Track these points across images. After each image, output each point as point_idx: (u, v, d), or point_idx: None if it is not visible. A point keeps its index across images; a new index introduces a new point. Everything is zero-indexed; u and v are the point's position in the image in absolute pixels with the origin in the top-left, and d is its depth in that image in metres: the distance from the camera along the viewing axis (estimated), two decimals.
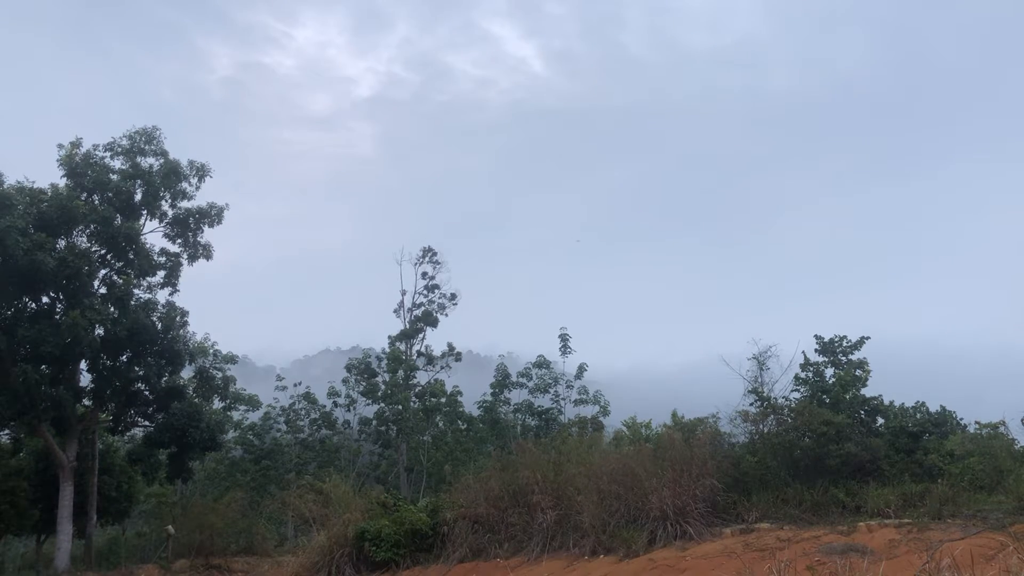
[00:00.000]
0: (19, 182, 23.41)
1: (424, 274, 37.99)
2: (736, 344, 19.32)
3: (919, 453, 15.00)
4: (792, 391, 17.36)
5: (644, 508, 13.97)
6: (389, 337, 37.13)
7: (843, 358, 17.45)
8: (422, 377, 36.99)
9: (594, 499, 14.56)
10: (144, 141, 25.78)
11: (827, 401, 16.49)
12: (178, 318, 26.28)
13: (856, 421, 15.92)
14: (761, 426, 16.20)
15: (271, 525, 29.90)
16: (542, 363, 34.64)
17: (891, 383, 17.99)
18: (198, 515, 25.46)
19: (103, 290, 24.74)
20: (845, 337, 17.68)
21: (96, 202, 24.72)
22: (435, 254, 38.27)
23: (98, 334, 23.85)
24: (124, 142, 25.62)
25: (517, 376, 35.10)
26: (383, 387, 35.94)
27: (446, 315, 37.61)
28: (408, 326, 37.19)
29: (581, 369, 34.09)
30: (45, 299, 24.09)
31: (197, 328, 29.54)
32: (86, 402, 25.71)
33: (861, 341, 17.54)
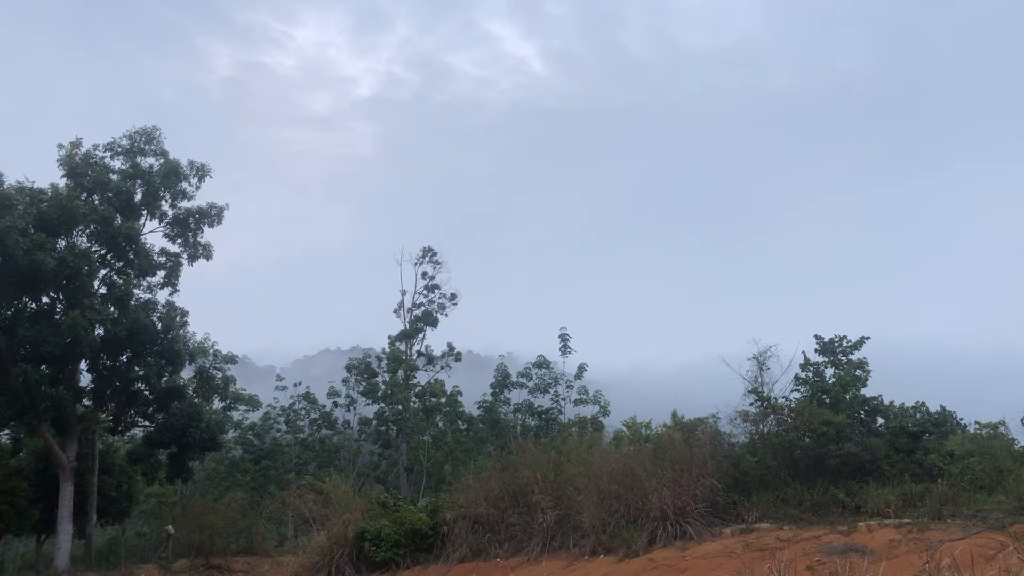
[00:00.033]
0: (19, 182, 23.42)
1: (424, 274, 38.02)
2: (736, 344, 19.34)
3: (919, 453, 15.00)
4: (792, 391, 17.37)
5: (644, 508, 13.97)
6: (389, 337, 37.15)
7: (843, 358, 17.45)
8: (422, 377, 37.01)
9: (594, 499, 14.55)
10: (144, 141, 25.77)
11: (827, 401, 16.48)
12: (178, 318, 26.28)
13: (856, 421, 15.92)
14: (761, 426, 16.20)
15: (271, 525, 29.89)
16: (542, 363, 34.63)
17: (891, 383, 17.99)
18: (198, 515, 25.45)
19: (103, 290, 24.73)
20: (845, 337, 17.68)
21: (96, 202, 24.71)
22: (435, 254, 38.30)
23: (98, 334, 23.84)
24: (124, 142, 25.61)
25: (517, 376, 35.09)
26: (383, 387, 35.94)
27: (446, 315, 37.64)
28: (408, 326, 37.18)
29: (581, 369, 34.09)
30: (45, 299, 24.09)
31: (197, 328, 29.61)
32: (86, 402, 25.71)
33: (861, 341, 17.54)
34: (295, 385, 39.67)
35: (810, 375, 17.36)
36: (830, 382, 17.00)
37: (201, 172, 26.49)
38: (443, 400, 36.53)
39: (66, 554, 23.71)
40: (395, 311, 37.63)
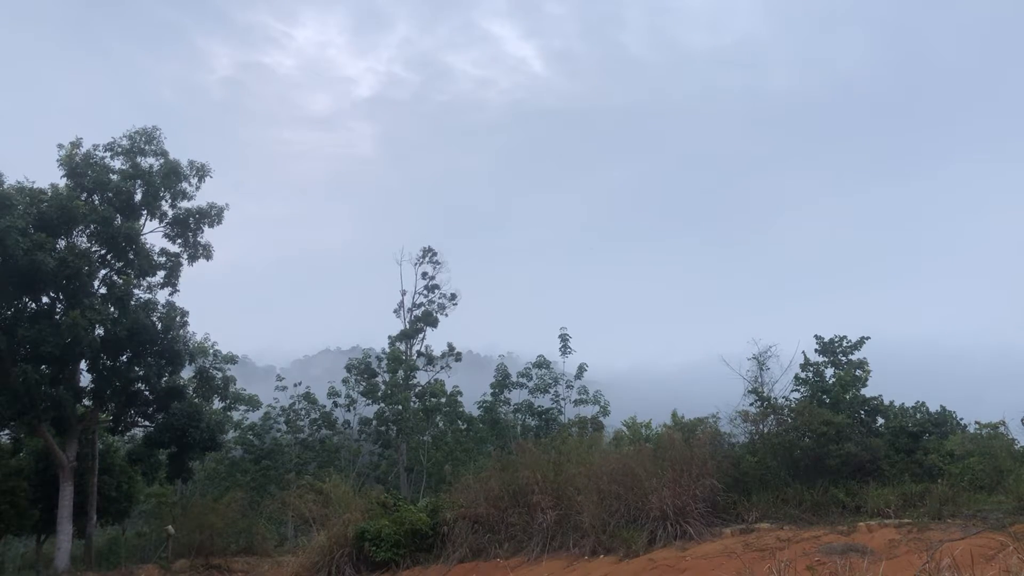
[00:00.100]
0: (19, 182, 23.43)
1: (424, 274, 38.02)
2: (736, 344, 19.33)
3: (919, 453, 14.99)
4: (792, 391, 17.37)
5: (644, 508, 13.96)
6: (389, 337, 37.14)
7: (843, 358, 17.44)
8: (422, 377, 37.00)
9: (594, 499, 14.55)
10: (144, 141, 25.78)
11: (827, 401, 16.48)
12: (178, 318, 26.28)
13: (856, 421, 15.92)
14: (761, 426, 16.20)
15: (271, 525, 29.88)
16: (542, 363, 34.63)
17: (891, 383, 17.99)
18: (198, 515, 25.45)
19: (103, 290, 24.73)
20: (845, 337, 17.67)
21: (96, 202, 24.71)
22: (435, 254, 38.29)
23: (98, 334, 23.84)
24: (124, 142, 25.62)
25: (517, 376, 35.09)
26: (383, 387, 35.94)
27: (446, 315, 37.63)
28: (408, 326, 37.18)
29: (581, 369, 34.08)
30: (45, 299, 24.09)
31: (197, 328, 29.61)
32: (86, 402, 25.71)
33: (861, 341, 17.53)
34: (295, 385, 39.69)
35: (810, 375, 17.36)
36: (830, 382, 17.00)
37: (201, 172, 26.50)
38: (443, 400, 36.53)
39: (66, 554, 23.71)
40: (395, 311, 37.66)
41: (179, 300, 26.73)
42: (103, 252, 24.90)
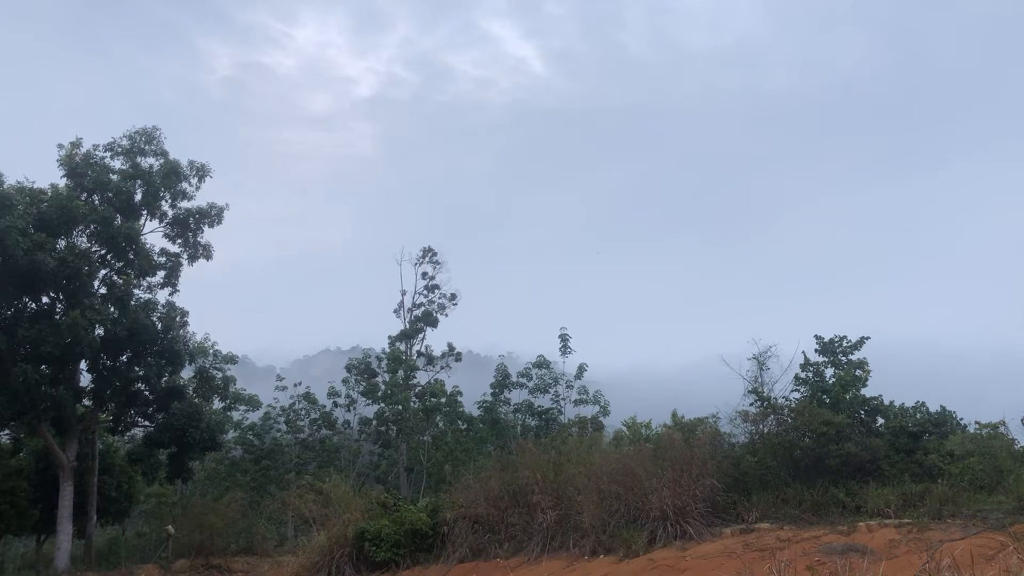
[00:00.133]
0: (19, 182, 23.43)
1: (424, 274, 38.02)
2: (736, 344, 19.33)
3: (919, 453, 14.99)
4: (792, 391, 17.36)
5: (644, 508, 13.96)
6: (389, 337, 37.15)
7: (843, 358, 17.44)
8: (422, 377, 37.00)
9: (594, 499, 14.55)
10: (144, 141, 25.78)
11: (827, 401, 16.48)
12: (178, 318, 26.28)
13: (856, 421, 15.92)
14: (761, 426, 16.20)
15: (271, 525, 29.88)
16: (542, 363, 34.63)
17: (891, 383, 17.99)
18: (198, 515, 25.45)
19: (103, 290, 24.74)
20: (845, 337, 17.67)
21: (96, 202, 24.71)
22: (435, 254, 38.30)
23: (98, 334, 23.84)
24: (124, 142, 25.62)
25: (517, 376, 35.09)
26: (383, 387, 35.94)
27: (446, 315, 37.63)
28: (408, 326, 37.18)
29: (581, 369, 34.08)
30: (45, 299, 24.09)
31: (197, 328, 29.60)
32: (86, 402, 25.71)
33: (861, 341, 17.53)
34: (295, 385, 39.68)
35: (810, 375, 17.36)
36: (830, 382, 17.00)
37: (201, 172, 26.50)
38: (443, 400, 36.53)
39: (66, 554, 23.71)
40: (395, 311, 37.66)
41: (179, 300, 26.79)
42: (103, 252, 24.90)
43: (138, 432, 29.20)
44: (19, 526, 25.62)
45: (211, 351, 31.73)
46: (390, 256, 48.78)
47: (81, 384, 25.44)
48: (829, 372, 17.34)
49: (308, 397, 38.79)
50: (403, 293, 37.64)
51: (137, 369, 25.42)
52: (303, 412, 38.72)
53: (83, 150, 25.07)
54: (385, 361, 36.80)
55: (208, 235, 26.68)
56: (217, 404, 31.65)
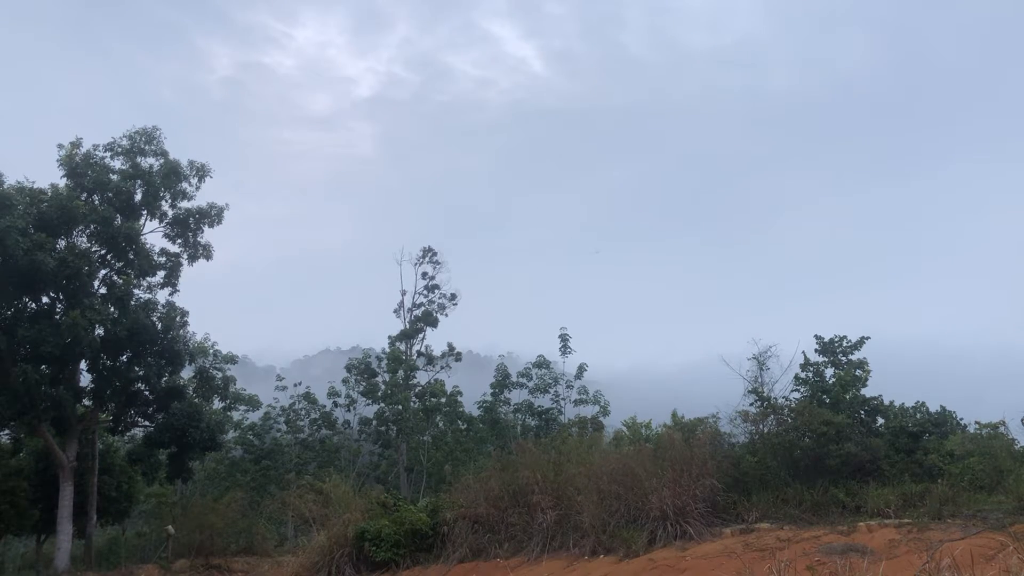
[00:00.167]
0: (19, 182, 23.43)
1: (424, 274, 38.03)
2: (736, 344, 19.33)
3: (919, 453, 14.99)
4: (792, 391, 17.36)
5: (644, 508, 13.96)
6: (389, 337, 37.15)
7: (843, 358, 17.44)
8: (422, 377, 37.01)
9: (594, 499, 14.55)
10: (144, 141, 25.78)
11: (827, 401, 16.48)
12: (178, 318, 26.29)
13: (856, 421, 15.92)
14: (761, 426, 16.19)
15: (271, 525, 29.89)
16: (542, 363, 34.63)
17: (891, 383, 17.98)
18: (198, 515, 25.45)
19: (103, 290, 24.74)
20: (845, 337, 17.67)
21: (96, 202, 24.71)
22: (435, 254, 38.31)
23: (98, 334, 23.85)
24: (124, 142, 25.62)
25: (517, 376, 35.09)
26: (383, 387, 35.94)
27: (446, 315, 37.64)
28: (408, 326, 37.18)
29: (581, 369, 34.09)
30: (45, 299, 24.09)
31: (197, 328, 29.61)
32: (86, 402, 25.71)
33: (861, 341, 17.52)
34: (295, 385, 39.68)
35: (810, 375, 17.36)
36: (830, 382, 16.99)
37: (201, 172, 26.51)
38: (443, 400, 36.53)
39: (66, 554, 23.71)
40: (395, 311, 37.67)
41: (179, 300, 26.81)
42: (103, 252, 24.91)
43: (138, 432, 29.20)
44: (19, 526, 25.62)
45: (211, 351, 31.74)
46: (390, 256, 48.80)
47: (81, 384, 25.44)
48: (829, 372, 17.34)
49: (308, 397, 38.79)
50: (403, 293, 37.69)
51: (137, 369, 25.42)
52: (303, 412, 38.72)
53: (83, 150, 25.08)
54: (385, 361, 36.80)
55: (208, 235, 26.75)
56: (217, 404, 31.65)
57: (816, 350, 17.80)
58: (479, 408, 35.54)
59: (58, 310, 23.89)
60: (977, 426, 15.51)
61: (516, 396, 34.99)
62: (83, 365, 25.28)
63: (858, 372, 16.97)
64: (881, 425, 16.43)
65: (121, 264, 25.06)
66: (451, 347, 37.38)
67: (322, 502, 18.14)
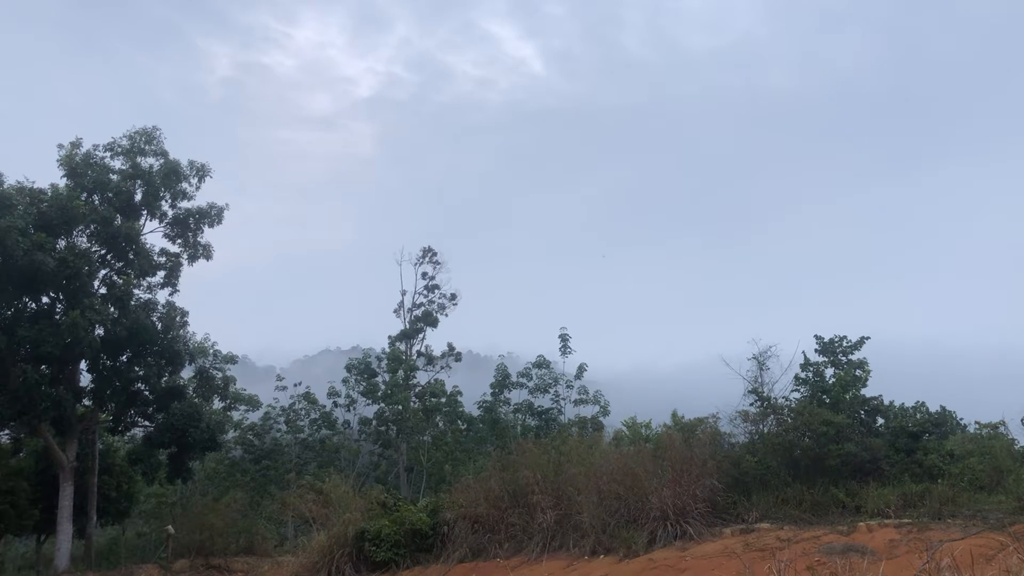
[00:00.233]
0: (19, 182, 23.42)
1: (424, 274, 38.07)
2: (736, 344, 19.32)
3: (919, 453, 15.00)
4: (792, 391, 17.35)
5: (644, 508, 13.97)
6: (389, 337, 37.17)
7: (843, 358, 17.43)
8: (422, 377, 37.03)
9: (594, 499, 14.55)
10: (144, 141, 25.78)
11: (827, 401, 16.48)
12: (178, 318, 26.29)
13: (856, 421, 15.91)
14: (761, 426, 16.20)
15: (271, 525, 29.87)
16: (542, 363, 34.67)
17: (891, 383, 17.98)
18: (198, 515, 25.45)
19: (103, 290, 24.73)
20: (845, 337, 17.66)
21: (96, 202, 24.71)
22: (435, 254, 38.35)
23: (98, 334, 23.83)
24: (124, 142, 25.62)
25: (517, 376, 35.13)
26: (383, 387, 35.95)
27: (446, 315, 37.68)
28: (408, 326, 37.21)
29: (581, 369, 34.13)
30: (45, 299, 24.08)
31: (197, 328, 29.53)
32: (86, 402, 25.70)
33: (861, 341, 17.52)
34: (295, 385, 39.65)
35: (810, 375, 17.35)
36: (830, 382, 16.98)
37: (201, 172, 26.50)
38: (443, 400, 36.55)
39: (66, 554, 23.71)
40: (395, 311, 37.71)
41: (179, 300, 26.78)
42: (103, 252, 24.90)
43: (138, 432, 29.18)
44: (19, 526, 25.59)
45: (211, 351, 31.68)
46: (390, 256, 48.55)
47: (81, 384, 25.43)
48: (829, 372, 17.33)
49: (308, 397, 38.77)
50: (403, 293, 37.73)
51: (137, 369, 25.42)
52: (303, 412, 38.69)
53: (83, 150, 25.07)
54: (385, 361, 36.82)
55: (208, 235, 26.72)
56: (217, 404, 31.62)
57: (816, 350, 17.80)
58: (479, 408, 35.57)
59: (58, 310, 23.88)
60: (977, 426, 15.53)
61: (516, 396, 35.05)
62: (83, 365, 25.26)
63: (858, 372, 16.97)
64: (881, 425, 16.44)
65: (121, 264, 25.06)
66: (451, 347, 37.42)
67: (322, 502, 18.14)
